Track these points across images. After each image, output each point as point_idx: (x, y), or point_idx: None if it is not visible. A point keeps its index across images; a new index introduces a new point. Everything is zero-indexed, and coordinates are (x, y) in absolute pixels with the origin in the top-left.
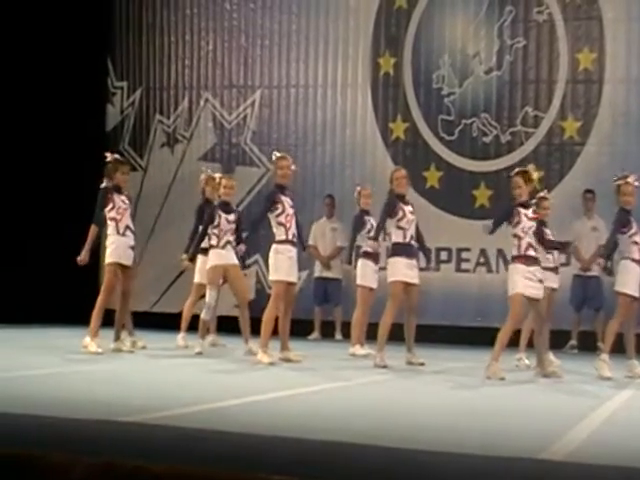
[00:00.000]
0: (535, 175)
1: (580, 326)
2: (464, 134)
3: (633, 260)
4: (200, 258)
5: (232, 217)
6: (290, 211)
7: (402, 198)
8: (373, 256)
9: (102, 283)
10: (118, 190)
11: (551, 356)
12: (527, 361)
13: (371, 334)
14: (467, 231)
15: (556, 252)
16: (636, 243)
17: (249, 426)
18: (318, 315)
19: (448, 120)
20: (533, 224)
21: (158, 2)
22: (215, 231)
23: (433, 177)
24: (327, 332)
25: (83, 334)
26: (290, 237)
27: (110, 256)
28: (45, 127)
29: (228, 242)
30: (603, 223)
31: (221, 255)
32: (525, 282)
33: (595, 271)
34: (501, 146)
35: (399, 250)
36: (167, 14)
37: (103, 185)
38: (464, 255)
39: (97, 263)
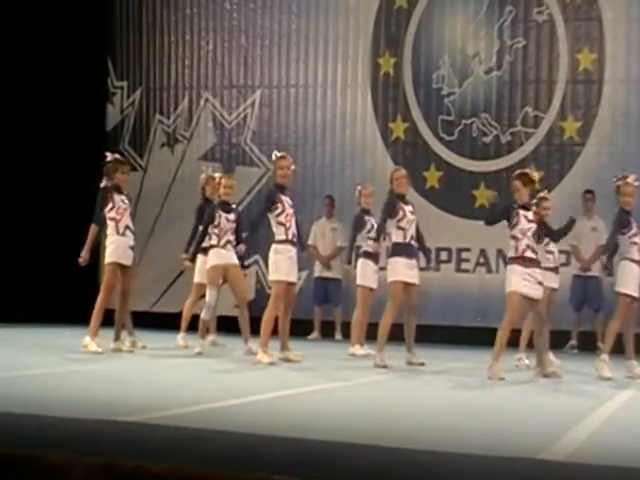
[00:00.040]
0: (536, 176)
1: (580, 326)
2: (464, 134)
3: (632, 260)
4: (200, 258)
5: (232, 216)
6: (290, 211)
7: (402, 198)
8: (373, 256)
9: (102, 283)
10: (118, 190)
11: (551, 356)
12: (527, 361)
13: (371, 334)
14: (467, 231)
15: (557, 252)
16: (635, 244)
17: (249, 426)
18: (318, 315)
19: (448, 120)
20: (532, 226)
21: (158, 2)
22: (215, 231)
23: (433, 177)
24: (327, 332)
25: (83, 334)
26: (290, 237)
27: (110, 256)
28: (45, 127)
29: (228, 242)
30: (603, 223)
31: (221, 255)
32: (521, 281)
33: (595, 271)
34: (501, 146)
35: (399, 250)
36: (167, 14)
37: (103, 185)
38: (464, 255)
39: (97, 263)
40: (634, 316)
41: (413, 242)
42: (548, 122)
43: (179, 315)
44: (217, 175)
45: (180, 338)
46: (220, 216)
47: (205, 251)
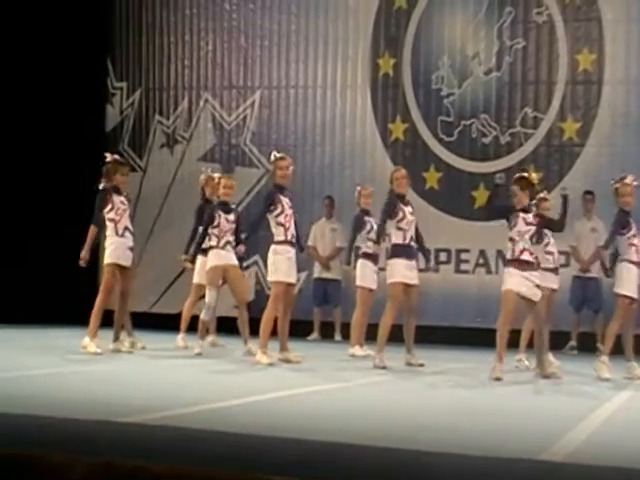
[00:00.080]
0: (534, 177)
1: (579, 327)
2: (463, 135)
3: (630, 262)
4: (199, 259)
5: (232, 217)
6: (289, 211)
7: (402, 198)
8: (372, 257)
9: (101, 284)
10: (117, 191)
11: (551, 357)
12: (527, 362)
13: (371, 335)
14: (466, 232)
15: (556, 253)
16: (633, 245)
17: (249, 426)
18: (317, 316)
19: (447, 121)
20: (530, 228)
21: (158, 2)
22: (215, 231)
23: (432, 178)
24: (326, 333)
25: (82, 334)
26: (289, 238)
27: (109, 257)
28: (45, 127)
29: (228, 242)
30: (602, 224)
31: (221, 255)
32: (517, 281)
33: (594, 272)
34: (500, 147)
35: (398, 251)
36: (167, 14)
37: (101, 187)
38: (463, 256)
39: (96, 264)
40: (633, 317)
41: (412, 243)
42: (547, 123)
43: (178, 316)
44: (216, 175)
45: (180, 339)
46: (220, 216)
47: (205, 252)
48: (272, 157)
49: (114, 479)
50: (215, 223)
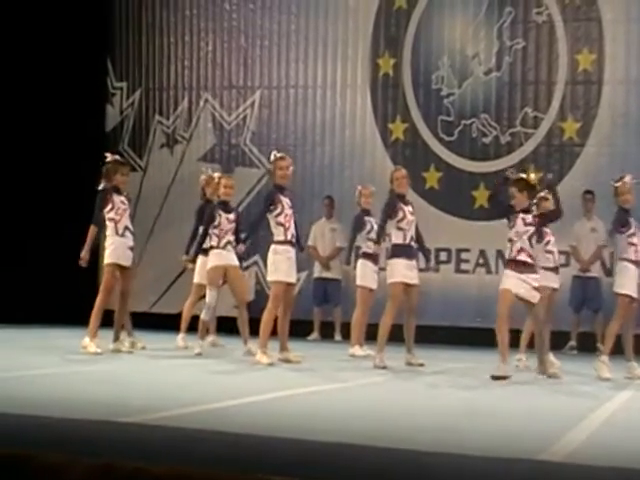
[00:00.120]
0: (533, 178)
1: (579, 327)
2: (463, 135)
3: (630, 261)
4: (200, 258)
5: (232, 216)
6: (289, 211)
7: (402, 198)
8: (372, 257)
9: (101, 284)
10: (117, 191)
11: (551, 357)
12: (527, 362)
13: (371, 335)
14: (466, 232)
15: (556, 252)
16: (633, 244)
17: (248, 427)
18: (317, 316)
19: (447, 121)
20: (529, 229)
21: (158, 2)
22: (215, 231)
23: (432, 178)
24: (326, 333)
25: (83, 334)
26: (289, 237)
27: (109, 257)
28: (45, 127)
29: (228, 242)
30: (602, 224)
31: (221, 256)
32: (514, 283)
33: (594, 272)
34: (501, 147)
35: (399, 251)
36: (167, 15)
37: (101, 187)
38: (463, 256)
39: (96, 264)
40: (633, 317)
41: (413, 243)
42: (548, 123)
43: (179, 316)
44: (216, 175)
45: (180, 339)
46: (220, 216)
47: (205, 252)
48: (272, 157)
49: None
50: (216, 223)
